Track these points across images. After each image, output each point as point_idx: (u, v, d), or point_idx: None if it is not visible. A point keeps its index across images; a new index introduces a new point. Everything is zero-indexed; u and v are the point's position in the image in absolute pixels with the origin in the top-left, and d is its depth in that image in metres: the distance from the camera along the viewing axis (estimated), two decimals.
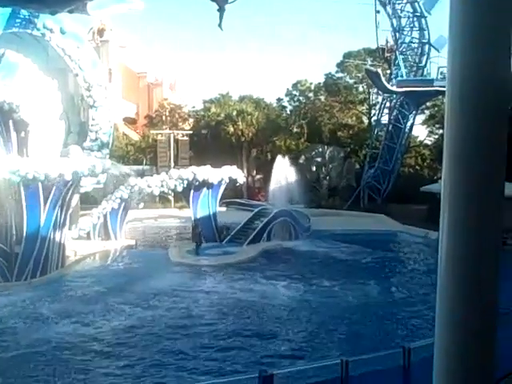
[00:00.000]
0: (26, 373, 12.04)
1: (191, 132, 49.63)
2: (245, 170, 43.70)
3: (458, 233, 1.69)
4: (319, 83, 56.39)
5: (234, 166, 30.52)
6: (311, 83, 56.60)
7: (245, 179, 35.39)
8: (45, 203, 20.10)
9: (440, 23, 38.06)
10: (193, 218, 28.33)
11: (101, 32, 54.68)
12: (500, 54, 1.62)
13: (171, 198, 40.83)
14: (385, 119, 45.03)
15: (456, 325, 1.70)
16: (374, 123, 49.28)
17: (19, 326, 15.20)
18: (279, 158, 35.33)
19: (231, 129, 47.90)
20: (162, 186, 27.92)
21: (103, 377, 12.08)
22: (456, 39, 1.65)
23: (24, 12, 25.35)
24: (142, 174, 33.01)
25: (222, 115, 49.43)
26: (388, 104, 44.96)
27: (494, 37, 1.60)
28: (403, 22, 41.31)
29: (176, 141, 46.78)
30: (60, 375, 12.01)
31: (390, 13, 41.17)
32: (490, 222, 1.68)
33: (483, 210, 1.67)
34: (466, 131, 1.65)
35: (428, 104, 47.74)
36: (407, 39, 41.84)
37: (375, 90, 50.91)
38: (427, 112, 51.94)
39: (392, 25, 41.48)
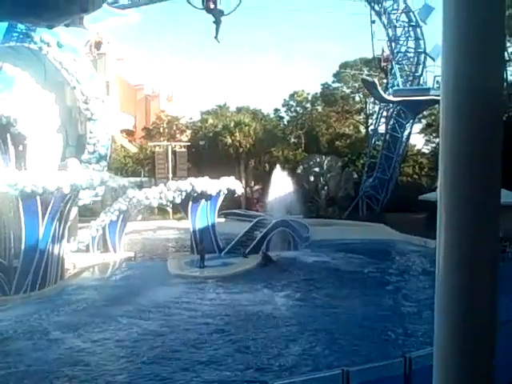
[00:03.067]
0: None
1: (189, 143, 49.66)
2: (243, 181, 43.66)
3: (455, 241, 1.69)
4: (316, 93, 56.70)
5: (232, 177, 30.54)
6: (308, 93, 56.87)
7: (243, 190, 35.39)
8: (43, 216, 20.05)
9: (435, 33, 38.29)
10: (192, 230, 28.27)
11: (98, 45, 55.02)
12: (494, 63, 1.63)
13: (169, 209, 40.81)
14: (382, 128, 45.10)
15: (455, 334, 1.69)
16: (371, 132, 49.37)
17: (19, 341, 15.09)
18: (277, 168, 35.39)
19: (229, 140, 47.91)
20: (161, 197, 27.88)
21: None
22: (450, 49, 1.65)
23: (21, 26, 25.46)
24: (140, 186, 32.99)
25: (220, 126, 49.46)
26: (385, 113, 45.09)
27: (487, 46, 1.61)
28: (399, 31, 41.59)
29: (174, 152, 46.83)
30: None
31: (386, 23, 41.42)
32: (488, 230, 1.68)
33: (480, 219, 1.67)
34: (461, 140, 1.65)
35: (425, 113, 47.90)
36: (403, 49, 42.06)
37: (372, 100, 51.13)
38: (424, 121, 52.12)
39: (388, 35, 41.72)
